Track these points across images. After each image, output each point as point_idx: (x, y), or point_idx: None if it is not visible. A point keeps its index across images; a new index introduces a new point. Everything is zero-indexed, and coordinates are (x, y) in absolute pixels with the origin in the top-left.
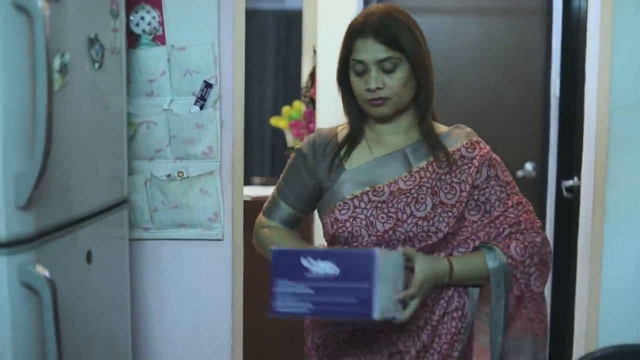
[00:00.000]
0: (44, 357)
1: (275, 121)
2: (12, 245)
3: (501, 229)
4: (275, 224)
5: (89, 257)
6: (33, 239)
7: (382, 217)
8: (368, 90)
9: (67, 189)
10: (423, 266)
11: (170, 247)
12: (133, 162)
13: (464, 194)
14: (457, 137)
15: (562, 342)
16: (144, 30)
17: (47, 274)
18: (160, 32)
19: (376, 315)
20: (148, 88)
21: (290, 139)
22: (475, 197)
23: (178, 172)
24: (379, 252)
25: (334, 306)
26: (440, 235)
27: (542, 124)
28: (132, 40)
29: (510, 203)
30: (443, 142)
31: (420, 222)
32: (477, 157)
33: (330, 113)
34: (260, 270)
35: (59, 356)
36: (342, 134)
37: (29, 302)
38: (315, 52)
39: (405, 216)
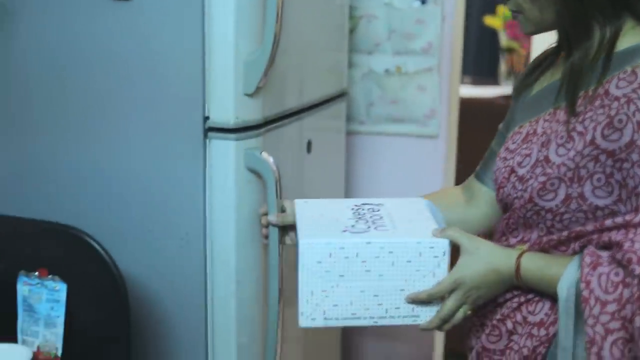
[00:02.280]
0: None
1: (489, 20)
2: (240, 130)
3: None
4: None
5: (309, 146)
6: (259, 126)
7: (503, 172)
8: None
9: (292, 78)
10: (467, 260)
11: (384, 141)
12: (352, 56)
13: (571, 153)
14: (631, 58)
15: None
16: None
17: (271, 160)
18: None
19: (300, 320)
20: None
21: (503, 40)
22: (608, 169)
23: (396, 67)
24: (308, 244)
25: None
26: (517, 202)
27: None
28: None
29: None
30: (617, 63)
31: (517, 184)
32: (625, 99)
33: None
34: (473, 171)
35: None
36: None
37: (254, 186)
38: None
39: (508, 173)
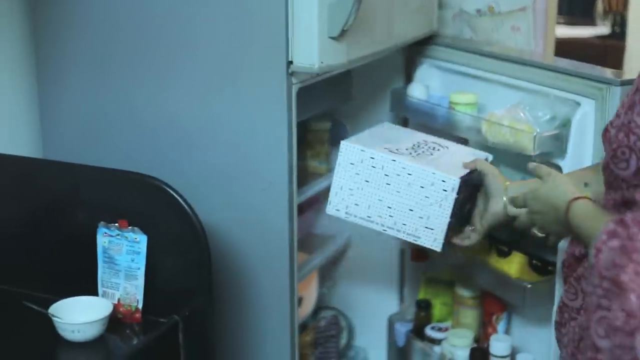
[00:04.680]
0: None
1: None
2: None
3: None
4: None
5: None
6: None
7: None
8: None
9: (379, 20)
10: (546, 184)
11: None
12: None
13: (626, 119)
14: None
15: None
16: None
17: None
18: None
19: (327, 208)
20: None
21: None
22: None
23: (489, 7)
24: (346, 145)
25: None
26: (603, 162)
27: None
28: None
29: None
30: None
31: (605, 144)
32: None
33: None
34: None
35: None
36: None
37: None
38: None
39: (605, 129)
